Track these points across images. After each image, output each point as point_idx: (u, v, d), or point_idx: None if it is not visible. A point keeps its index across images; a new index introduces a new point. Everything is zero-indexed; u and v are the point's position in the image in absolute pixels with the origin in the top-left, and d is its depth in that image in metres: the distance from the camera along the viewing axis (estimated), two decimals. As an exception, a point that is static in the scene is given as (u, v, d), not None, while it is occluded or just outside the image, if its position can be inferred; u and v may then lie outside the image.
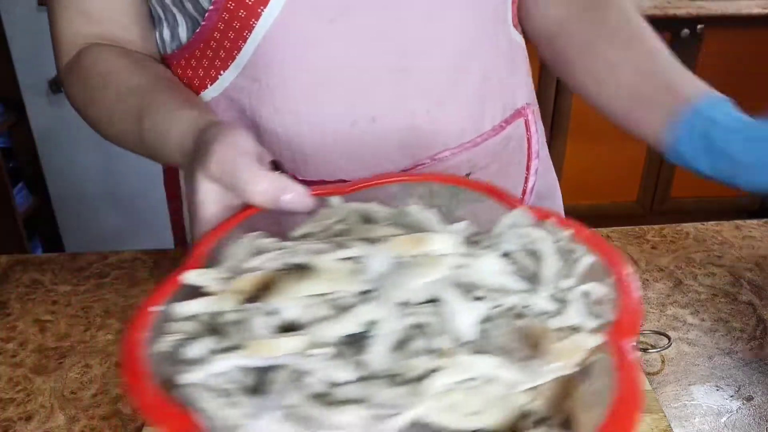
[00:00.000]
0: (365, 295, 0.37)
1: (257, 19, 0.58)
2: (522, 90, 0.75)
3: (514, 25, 0.72)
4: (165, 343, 0.37)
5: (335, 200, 0.48)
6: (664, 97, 0.60)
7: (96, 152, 2.24)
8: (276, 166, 0.51)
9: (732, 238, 0.73)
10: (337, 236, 0.43)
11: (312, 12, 0.58)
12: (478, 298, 0.37)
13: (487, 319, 0.36)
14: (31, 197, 2.37)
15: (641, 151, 2.39)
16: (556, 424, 0.33)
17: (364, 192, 0.49)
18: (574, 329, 0.36)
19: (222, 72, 0.63)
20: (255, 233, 0.43)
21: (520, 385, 0.34)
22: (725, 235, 0.74)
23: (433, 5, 0.62)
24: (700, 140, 0.56)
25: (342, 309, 0.37)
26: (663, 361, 0.57)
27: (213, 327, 0.38)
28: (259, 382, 0.35)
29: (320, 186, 0.49)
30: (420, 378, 0.34)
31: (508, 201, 0.46)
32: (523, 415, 0.34)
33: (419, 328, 0.36)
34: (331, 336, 0.35)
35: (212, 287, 0.39)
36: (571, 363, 0.35)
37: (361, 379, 0.34)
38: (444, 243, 0.38)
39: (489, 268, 0.38)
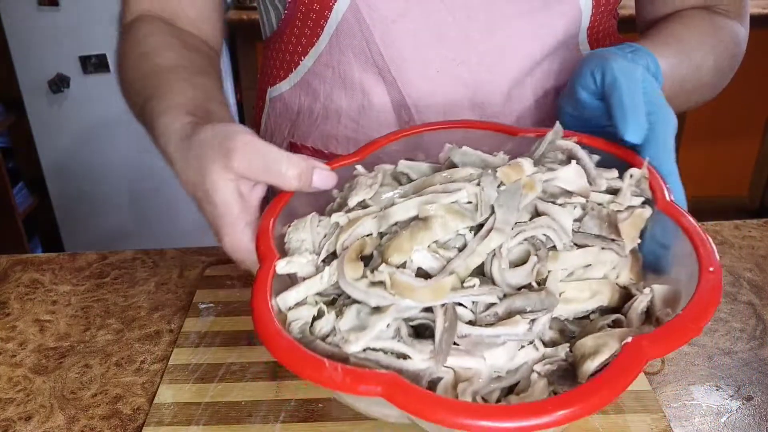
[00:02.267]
0: (481, 227, 0.42)
1: (330, 11, 0.62)
2: None
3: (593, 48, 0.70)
4: (297, 331, 0.40)
5: (360, 168, 0.51)
6: None
7: (96, 152, 2.23)
8: None
9: (732, 238, 0.73)
10: (415, 190, 0.47)
11: (376, 9, 0.62)
12: (562, 204, 0.44)
13: (577, 218, 0.44)
14: (30, 197, 2.37)
15: (641, 151, 2.40)
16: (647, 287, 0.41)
17: (373, 154, 0.53)
18: (629, 208, 0.44)
19: (303, 58, 0.68)
20: (311, 215, 0.47)
21: (614, 262, 0.42)
22: (725, 235, 0.74)
23: (494, 17, 0.62)
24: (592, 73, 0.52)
25: (462, 247, 0.42)
26: (663, 361, 0.57)
27: (331, 303, 0.42)
28: (413, 331, 0.40)
29: (334, 160, 0.51)
30: (542, 281, 0.41)
31: (511, 131, 0.53)
32: (624, 290, 0.42)
33: (530, 240, 0.42)
34: (470, 268, 0.40)
35: (305, 271, 0.43)
36: (636, 235, 0.43)
37: (503, 298, 0.40)
38: (531, 166, 0.45)
39: (569, 176, 0.45)
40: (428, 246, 0.41)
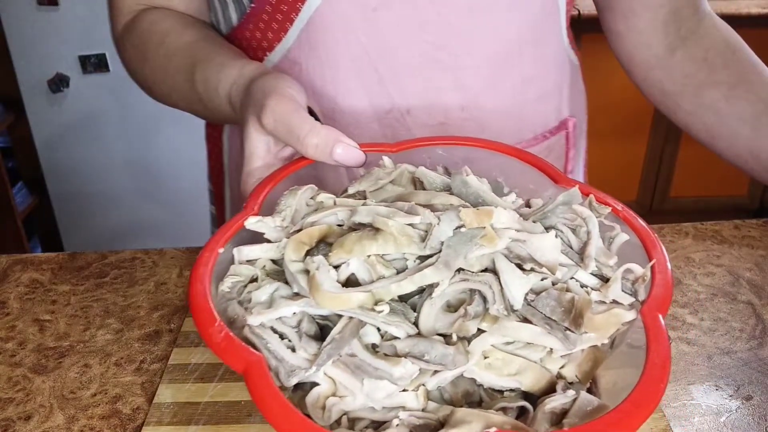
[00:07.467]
0: (426, 259, 0.40)
1: (303, 3, 0.60)
2: (567, 103, 0.74)
3: (570, 41, 0.70)
4: (228, 284, 0.40)
5: (387, 160, 0.50)
6: None
7: (95, 152, 2.23)
8: (310, 112, 0.54)
9: (731, 237, 0.74)
10: (395, 198, 0.45)
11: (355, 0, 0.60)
12: (528, 270, 0.40)
13: (534, 291, 0.39)
14: (30, 197, 2.37)
15: (641, 151, 2.39)
16: (583, 389, 0.37)
17: (412, 152, 0.52)
18: (613, 303, 0.40)
19: (268, 54, 0.65)
20: (308, 186, 0.46)
21: (558, 352, 0.38)
22: (724, 235, 0.74)
23: (473, 1, 0.62)
24: None
25: (401, 270, 0.40)
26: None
27: (274, 274, 0.42)
28: (318, 329, 0.39)
29: (369, 144, 0.51)
30: (468, 339, 0.37)
31: (555, 176, 0.49)
32: (556, 379, 0.38)
33: (472, 293, 0.39)
34: (391, 294, 0.38)
35: (272, 235, 0.43)
36: (605, 334, 0.38)
37: (413, 335, 0.38)
38: (506, 218, 0.41)
39: (543, 245, 0.41)
40: (369, 256, 0.39)
